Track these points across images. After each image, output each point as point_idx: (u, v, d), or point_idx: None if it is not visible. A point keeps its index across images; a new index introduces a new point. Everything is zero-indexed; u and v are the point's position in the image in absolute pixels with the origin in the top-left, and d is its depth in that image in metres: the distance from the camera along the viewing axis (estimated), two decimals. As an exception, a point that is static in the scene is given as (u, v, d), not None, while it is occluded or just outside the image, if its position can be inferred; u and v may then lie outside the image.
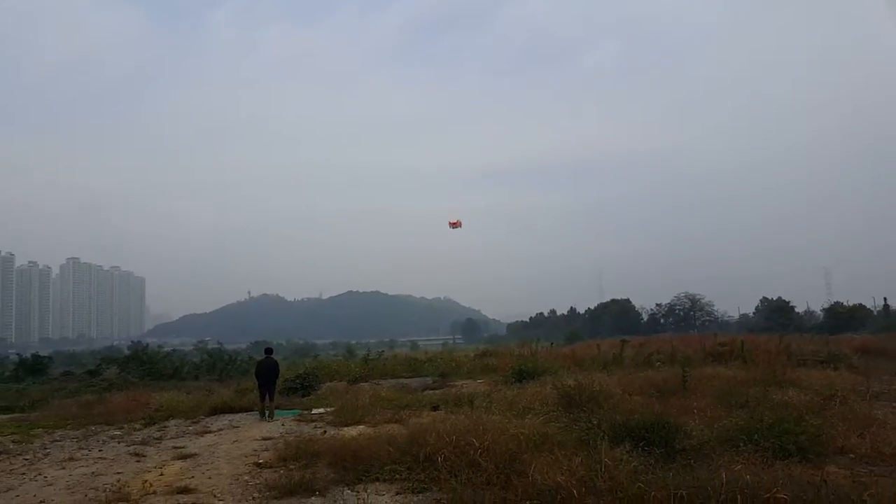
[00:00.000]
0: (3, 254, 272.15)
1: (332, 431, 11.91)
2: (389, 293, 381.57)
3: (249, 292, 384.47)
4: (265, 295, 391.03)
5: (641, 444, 7.55)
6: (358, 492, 6.97)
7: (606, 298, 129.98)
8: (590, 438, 8.13)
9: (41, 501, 7.29)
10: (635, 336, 48.66)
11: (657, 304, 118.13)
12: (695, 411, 10.30)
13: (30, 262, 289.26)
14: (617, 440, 7.77)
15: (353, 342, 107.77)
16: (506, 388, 16.30)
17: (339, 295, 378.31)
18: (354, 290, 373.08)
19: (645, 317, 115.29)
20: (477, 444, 7.53)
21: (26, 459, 10.39)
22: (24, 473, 9.13)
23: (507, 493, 6.23)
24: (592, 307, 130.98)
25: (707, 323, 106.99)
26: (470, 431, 8.12)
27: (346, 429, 12.12)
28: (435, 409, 14.12)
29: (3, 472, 9.32)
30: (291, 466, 8.45)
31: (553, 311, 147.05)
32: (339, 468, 8.11)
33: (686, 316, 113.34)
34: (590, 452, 6.97)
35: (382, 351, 39.34)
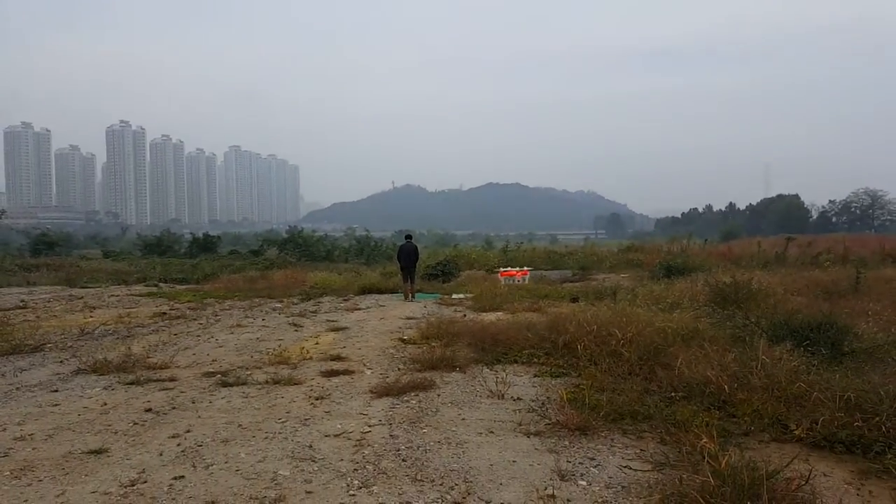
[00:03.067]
0: (174, 141, 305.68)
1: (471, 315, 12.38)
2: (530, 185, 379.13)
3: (393, 182, 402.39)
4: (408, 185, 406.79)
5: (804, 343, 6.94)
6: (496, 371, 7.22)
7: (772, 194, 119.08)
8: (745, 336, 7.64)
9: (213, 360, 8.42)
10: (802, 235, 44.38)
11: (830, 201, 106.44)
12: (868, 314, 9.26)
13: (197, 148, 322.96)
14: (776, 339, 7.21)
15: (492, 234, 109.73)
16: (652, 283, 15.76)
17: (480, 187, 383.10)
18: (494, 182, 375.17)
19: (815, 214, 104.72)
20: (619, 335, 7.38)
21: (200, 324, 12.02)
22: (198, 336, 10.58)
23: (650, 384, 6.10)
24: (755, 203, 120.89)
25: (888, 223, 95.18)
26: (612, 322, 7.96)
27: (484, 314, 12.53)
28: (574, 300, 14.07)
29: (181, 333, 10.87)
30: (433, 344, 8.94)
31: (709, 207, 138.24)
32: (478, 349, 8.43)
33: (863, 215, 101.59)
34: (744, 349, 6.54)
35: (521, 243, 39.64)
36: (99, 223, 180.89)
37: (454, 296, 17.06)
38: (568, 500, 3.79)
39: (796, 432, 4.73)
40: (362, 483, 4.07)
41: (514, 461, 4.47)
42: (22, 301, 16.24)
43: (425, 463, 4.45)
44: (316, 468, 4.35)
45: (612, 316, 8.50)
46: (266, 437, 5.04)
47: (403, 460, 4.49)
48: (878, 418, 4.60)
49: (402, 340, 9.78)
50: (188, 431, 5.23)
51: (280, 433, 5.15)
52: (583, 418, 5.13)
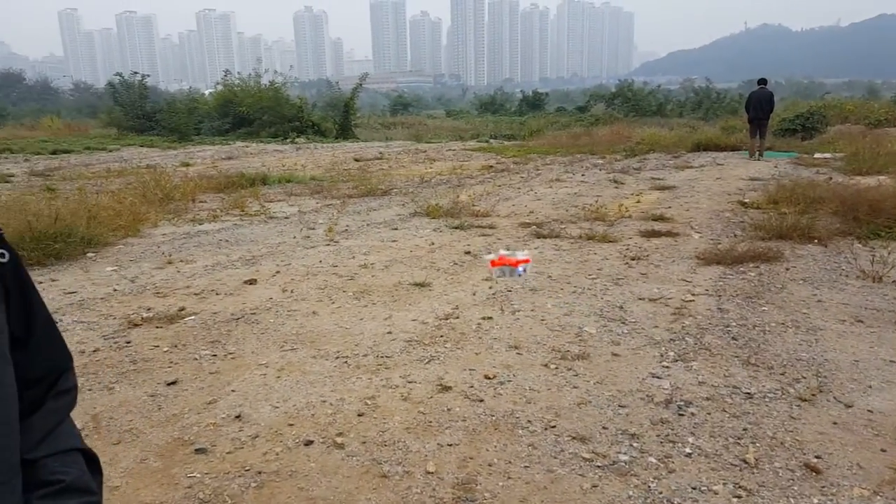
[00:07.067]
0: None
1: (838, 178, 10.18)
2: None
3: (746, 23, 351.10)
4: (765, 25, 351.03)
5: None
6: (873, 248, 5.73)
7: None
8: None
9: (530, 212, 8.54)
10: None
11: None
12: None
13: (531, 4, 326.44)
14: None
15: (879, 81, 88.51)
16: None
17: (866, 20, 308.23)
18: (889, 14, 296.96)
19: None
20: None
21: (521, 177, 12.36)
22: (518, 188, 10.89)
23: None
24: None
25: None
26: None
27: (859, 178, 10.17)
28: None
29: (503, 185, 11.32)
30: (783, 210, 7.57)
31: None
32: (848, 219, 6.83)
33: None
34: None
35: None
36: (444, 85, 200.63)
37: (816, 155, 14.26)
38: (981, 428, 2.74)
39: None
40: (678, 356, 3.60)
41: (892, 361, 3.45)
42: (379, 153, 18.93)
43: (762, 346, 3.73)
44: (625, 331, 4.01)
45: None
46: (574, 292, 4.86)
47: (734, 339, 3.84)
48: None
49: (742, 204, 8.53)
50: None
51: (589, 289, 4.92)
52: None
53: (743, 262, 5.51)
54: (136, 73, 29.61)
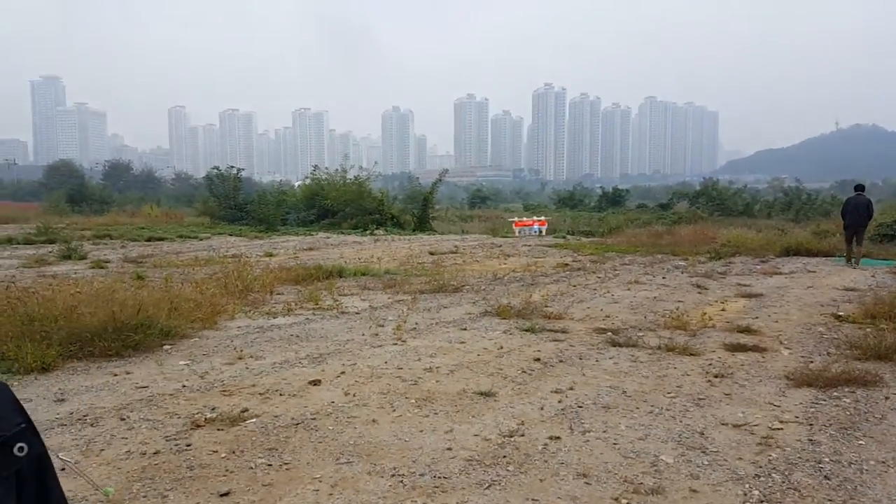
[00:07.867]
0: (591, 98, 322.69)
1: (950, 292, 9.42)
2: None
3: (837, 123, 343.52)
4: (857, 126, 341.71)
5: None
6: None
7: None
8: None
9: (606, 316, 8.30)
10: None
11: None
12: None
13: (613, 103, 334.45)
14: None
15: None
16: None
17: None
18: None
19: None
20: None
21: (598, 277, 12.13)
22: (595, 289, 10.65)
23: None
24: None
25: None
26: None
27: (974, 291, 9.38)
28: None
29: (579, 286, 11.12)
30: (883, 326, 7.03)
31: None
32: (961, 341, 6.24)
33: None
34: None
35: None
36: (523, 179, 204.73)
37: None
38: None
39: None
40: (764, 496, 3.28)
41: None
42: (454, 247, 19.25)
43: (859, 487, 3.35)
44: (706, 462, 3.71)
45: None
46: (651, 412, 4.59)
47: (826, 478, 3.48)
48: None
49: (837, 317, 7.99)
50: (571, 389, 5.15)
51: (668, 410, 4.63)
52: None
53: (837, 385, 5.07)
54: (232, 166, 32.01)
